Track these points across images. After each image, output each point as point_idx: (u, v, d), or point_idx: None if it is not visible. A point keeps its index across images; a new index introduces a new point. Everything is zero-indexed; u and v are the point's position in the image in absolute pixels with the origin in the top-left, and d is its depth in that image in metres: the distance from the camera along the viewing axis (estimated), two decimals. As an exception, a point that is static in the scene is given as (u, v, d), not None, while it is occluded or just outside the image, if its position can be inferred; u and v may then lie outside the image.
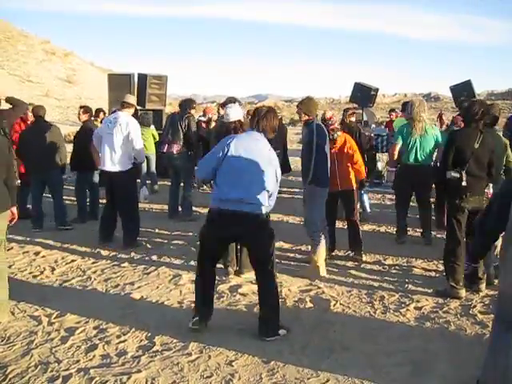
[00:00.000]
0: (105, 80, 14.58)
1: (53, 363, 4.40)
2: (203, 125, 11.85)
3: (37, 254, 7.46)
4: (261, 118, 5.01)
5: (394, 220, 9.04)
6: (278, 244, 7.70)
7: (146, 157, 12.05)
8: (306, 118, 6.55)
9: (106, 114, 11.58)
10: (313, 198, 6.58)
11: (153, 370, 4.29)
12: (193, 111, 9.77)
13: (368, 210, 9.65)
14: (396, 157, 8.00)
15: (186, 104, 9.71)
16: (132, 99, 8.00)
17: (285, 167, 11.86)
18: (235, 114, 6.62)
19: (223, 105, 8.66)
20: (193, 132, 9.46)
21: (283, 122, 13.14)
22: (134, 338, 4.85)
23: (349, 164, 7.19)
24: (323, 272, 6.60)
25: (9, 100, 7.44)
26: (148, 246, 7.83)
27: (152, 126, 12.51)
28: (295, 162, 17.43)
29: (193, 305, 5.43)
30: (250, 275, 6.39)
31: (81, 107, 9.94)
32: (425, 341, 4.84)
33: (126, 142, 7.58)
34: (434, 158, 8.05)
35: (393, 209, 10.02)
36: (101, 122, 10.72)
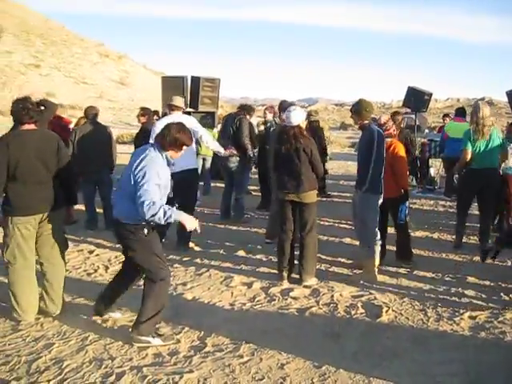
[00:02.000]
0: (156, 82, 14.79)
1: (106, 360, 4.48)
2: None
3: (91, 252, 7.61)
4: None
5: (446, 226, 8.90)
6: (328, 250, 7.70)
7: (203, 158, 12.16)
8: (360, 121, 6.55)
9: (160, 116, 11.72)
10: (368, 206, 6.55)
11: (204, 371, 4.32)
12: (248, 117, 9.80)
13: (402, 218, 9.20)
14: (467, 161, 7.83)
15: (244, 108, 9.84)
16: (179, 101, 8.02)
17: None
18: (297, 117, 6.39)
19: (282, 108, 8.58)
20: (243, 133, 9.41)
21: (332, 125, 13.07)
22: (186, 338, 4.90)
23: (390, 172, 6.84)
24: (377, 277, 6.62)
25: (41, 102, 7.55)
26: (200, 247, 7.87)
27: (215, 129, 12.57)
28: (346, 166, 17.36)
29: (244, 307, 5.52)
30: (311, 282, 6.38)
31: (141, 109, 10.04)
32: (479, 351, 4.73)
33: None
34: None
35: (446, 215, 9.89)
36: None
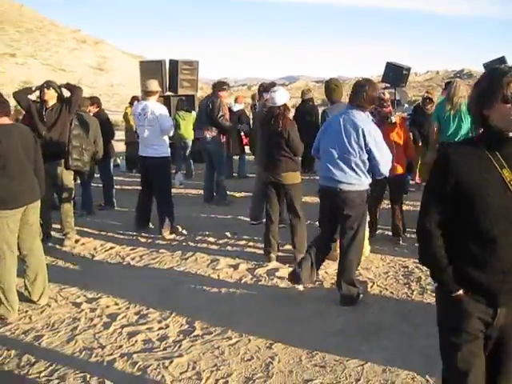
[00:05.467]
0: (135, 66, 14.67)
1: (97, 348, 4.51)
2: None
3: (76, 241, 7.58)
4: (352, 92, 5.15)
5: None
6: (312, 228, 7.73)
7: (183, 142, 12.18)
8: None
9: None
10: None
11: (194, 354, 4.36)
12: (223, 93, 9.63)
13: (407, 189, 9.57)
14: (436, 137, 7.99)
15: (216, 86, 9.68)
16: (153, 85, 7.90)
17: None
18: (281, 98, 6.40)
19: (265, 90, 8.53)
20: (216, 115, 9.33)
21: (315, 102, 13.06)
22: (174, 323, 4.94)
23: (403, 149, 7.02)
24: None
25: (66, 86, 7.36)
26: (184, 231, 7.90)
27: (193, 113, 12.54)
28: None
29: (231, 289, 5.59)
30: None
31: (88, 99, 9.68)
32: (464, 321, 4.81)
33: (158, 130, 7.67)
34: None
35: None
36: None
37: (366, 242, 6.48)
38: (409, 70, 12.37)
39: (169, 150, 7.93)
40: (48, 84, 7.20)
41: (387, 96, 7.04)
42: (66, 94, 7.40)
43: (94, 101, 9.69)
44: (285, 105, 6.40)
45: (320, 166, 5.33)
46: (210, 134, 9.43)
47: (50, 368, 4.20)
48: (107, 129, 9.55)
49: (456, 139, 7.67)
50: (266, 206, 6.69)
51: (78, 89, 7.39)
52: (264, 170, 6.54)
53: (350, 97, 5.13)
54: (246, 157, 12.82)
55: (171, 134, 8.15)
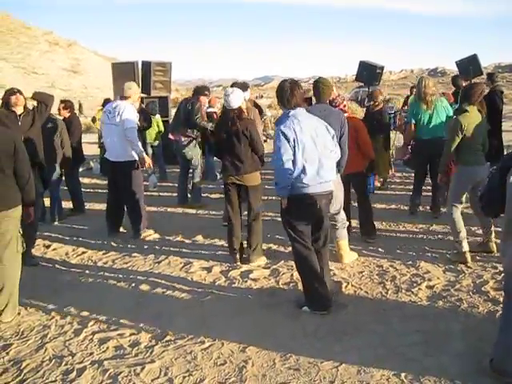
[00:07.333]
0: (110, 68, 14.51)
1: (67, 356, 4.42)
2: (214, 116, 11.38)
3: (48, 247, 7.48)
4: None
5: (403, 198, 8.96)
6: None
7: (151, 146, 12.09)
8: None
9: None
10: None
11: (166, 360, 4.30)
12: (204, 98, 9.52)
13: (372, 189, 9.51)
14: (412, 135, 8.24)
15: (198, 90, 9.55)
16: (129, 91, 7.75)
17: None
18: (236, 100, 6.37)
19: None
20: (194, 119, 9.17)
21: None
22: (146, 328, 4.86)
23: (354, 145, 6.75)
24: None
25: (36, 97, 7.04)
26: (157, 234, 7.81)
27: (157, 116, 12.41)
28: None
29: (204, 292, 5.53)
30: (259, 262, 6.40)
31: (61, 102, 9.53)
32: (437, 320, 4.80)
33: (122, 132, 7.48)
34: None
35: (403, 186, 10.00)
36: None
37: (348, 247, 6.46)
38: (382, 68, 12.45)
39: (135, 153, 7.59)
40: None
41: (332, 96, 6.84)
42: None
43: (67, 105, 9.46)
44: (239, 107, 6.39)
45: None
46: (185, 137, 9.34)
47: (19, 378, 4.11)
48: (78, 134, 9.37)
49: (433, 136, 7.78)
50: (228, 209, 6.65)
51: (49, 97, 7.21)
52: (225, 171, 6.53)
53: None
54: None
55: (137, 150, 7.80)
